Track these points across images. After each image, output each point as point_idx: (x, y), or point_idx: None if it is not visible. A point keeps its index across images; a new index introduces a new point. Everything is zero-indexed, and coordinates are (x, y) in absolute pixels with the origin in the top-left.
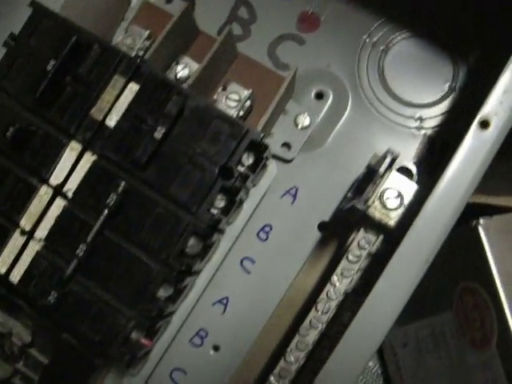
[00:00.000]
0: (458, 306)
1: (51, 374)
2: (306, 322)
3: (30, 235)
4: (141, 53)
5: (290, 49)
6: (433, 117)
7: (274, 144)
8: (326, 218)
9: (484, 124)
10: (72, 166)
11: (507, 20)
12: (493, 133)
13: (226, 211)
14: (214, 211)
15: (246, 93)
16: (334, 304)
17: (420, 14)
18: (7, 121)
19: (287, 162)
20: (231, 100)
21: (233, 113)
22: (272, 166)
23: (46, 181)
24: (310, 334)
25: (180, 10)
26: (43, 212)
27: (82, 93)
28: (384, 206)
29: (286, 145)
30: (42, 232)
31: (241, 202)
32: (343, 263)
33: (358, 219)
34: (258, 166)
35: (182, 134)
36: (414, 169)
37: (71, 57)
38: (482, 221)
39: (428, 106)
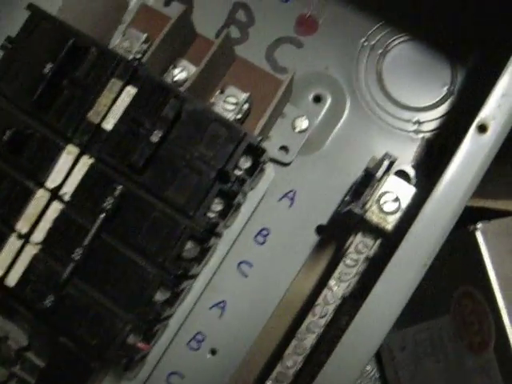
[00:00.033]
0: (455, 310)
1: (48, 377)
2: (304, 326)
3: (26, 239)
4: (138, 56)
5: (287, 52)
6: (431, 120)
7: (271, 147)
8: (324, 221)
9: (482, 128)
10: (69, 169)
11: (507, 20)
12: (491, 137)
13: (223, 215)
14: (211, 215)
15: (243, 96)
16: (331, 308)
17: (418, 18)
18: (4, 124)
19: (285, 165)
20: (229, 103)
21: (230, 116)
22: (270, 170)
23: (42, 184)
24: (307, 339)
25: (178, 13)
26: (40, 215)
27: (79, 96)
28: (381, 209)
29: (284, 148)
30: (38, 235)
31: (238, 206)
32: (341, 267)
33: (355, 223)
34: (256, 170)
35: (179, 138)
36: (411, 172)
37: (68, 60)
38: (479, 225)
39: (426, 109)
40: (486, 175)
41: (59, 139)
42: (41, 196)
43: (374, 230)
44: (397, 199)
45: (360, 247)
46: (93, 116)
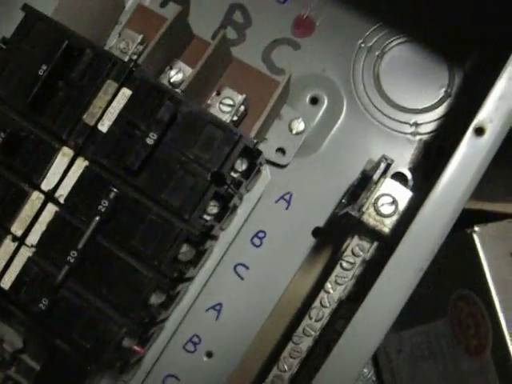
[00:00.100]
0: (452, 313)
1: (43, 380)
2: (300, 329)
3: (21, 241)
4: (134, 57)
5: (284, 53)
6: (428, 122)
7: (268, 149)
8: (321, 223)
9: (479, 131)
10: (64, 171)
11: (507, 20)
12: (488, 140)
13: (219, 217)
14: (207, 218)
15: (240, 98)
16: (327, 311)
17: (415, 19)
18: None
19: (281, 167)
20: (225, 105)
21: (226, 118)
22: (266, 172)
23: (37, 186)
24: (303, 342)
25: (174, 14)
26: (35, 218)
27: (74, 98)
28: (378, 212)
29: (281, 150)
30: (33, 238)
31: (234, 208)
32: (337, 270)
33: (352, 225)
34: (252, 172)
35: (174, 140)
36: (409, 174)
37: (63, 61)
38: (476, 228)
39: (423, 111)
40: (484, 178)
41: (54, 141)
42: (36, 198)
43: (371, 233)
44: (394, 202)
45: (357, 250)
46: (88, 118)
